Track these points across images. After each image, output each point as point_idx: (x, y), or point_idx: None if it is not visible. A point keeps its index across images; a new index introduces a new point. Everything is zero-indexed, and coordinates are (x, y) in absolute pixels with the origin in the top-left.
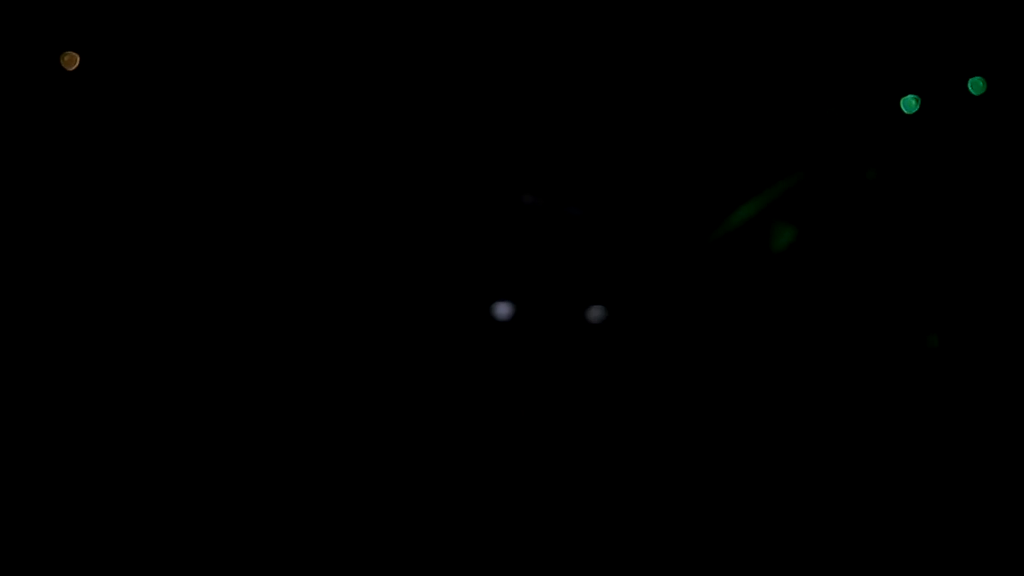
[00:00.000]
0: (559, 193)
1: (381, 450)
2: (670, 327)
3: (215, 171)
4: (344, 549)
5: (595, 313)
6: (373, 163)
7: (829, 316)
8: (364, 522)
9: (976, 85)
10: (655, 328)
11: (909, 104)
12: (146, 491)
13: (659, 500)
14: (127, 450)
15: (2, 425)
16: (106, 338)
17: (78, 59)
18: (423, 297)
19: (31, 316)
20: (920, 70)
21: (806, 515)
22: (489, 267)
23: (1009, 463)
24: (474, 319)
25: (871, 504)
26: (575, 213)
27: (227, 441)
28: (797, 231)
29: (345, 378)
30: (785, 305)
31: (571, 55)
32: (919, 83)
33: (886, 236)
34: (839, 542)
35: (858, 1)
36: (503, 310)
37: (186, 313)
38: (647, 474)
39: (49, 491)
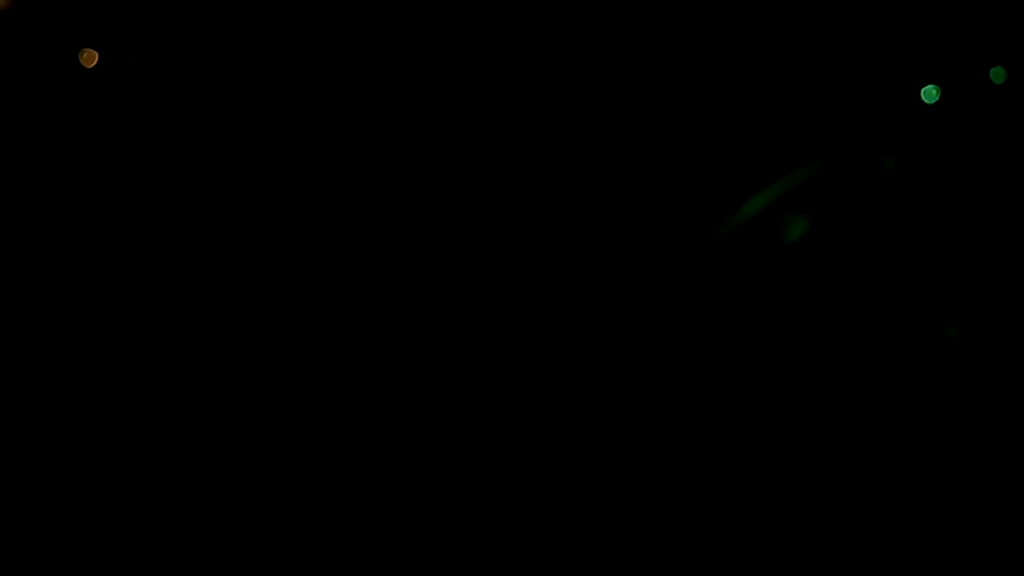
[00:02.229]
0: (560, 181)
1: (381, 450)
2: (677, 324)
3: (216, 171)
4: (344, 549)
5: None
6: (373, 163)
7: (843, 309)
8: (364, 522)
9: (998, 74)
10: (661, 325)
11: (930, 94)
12: (146, 491)
13: (669, 502)
14: (127, 450)
15: (2, 425)
16: (106, 338)
17: (97, 56)
18: (422, 297)
19: (31, 316)
20: (941, 59)
21: (825, 513)
22: (487, 265)
23: None
24: (472, 319)
25: (889, 500)
26: None
27: (227, 441)
28: (810, 222)
29: (345, 378)
30: (798, 299)
31: (576, 34)
32: (940, 72)
33: (903, 227)
34: (854, 540)
35: None
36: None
37: (186, 313)
38: (656, 475)
39: (49, 491)
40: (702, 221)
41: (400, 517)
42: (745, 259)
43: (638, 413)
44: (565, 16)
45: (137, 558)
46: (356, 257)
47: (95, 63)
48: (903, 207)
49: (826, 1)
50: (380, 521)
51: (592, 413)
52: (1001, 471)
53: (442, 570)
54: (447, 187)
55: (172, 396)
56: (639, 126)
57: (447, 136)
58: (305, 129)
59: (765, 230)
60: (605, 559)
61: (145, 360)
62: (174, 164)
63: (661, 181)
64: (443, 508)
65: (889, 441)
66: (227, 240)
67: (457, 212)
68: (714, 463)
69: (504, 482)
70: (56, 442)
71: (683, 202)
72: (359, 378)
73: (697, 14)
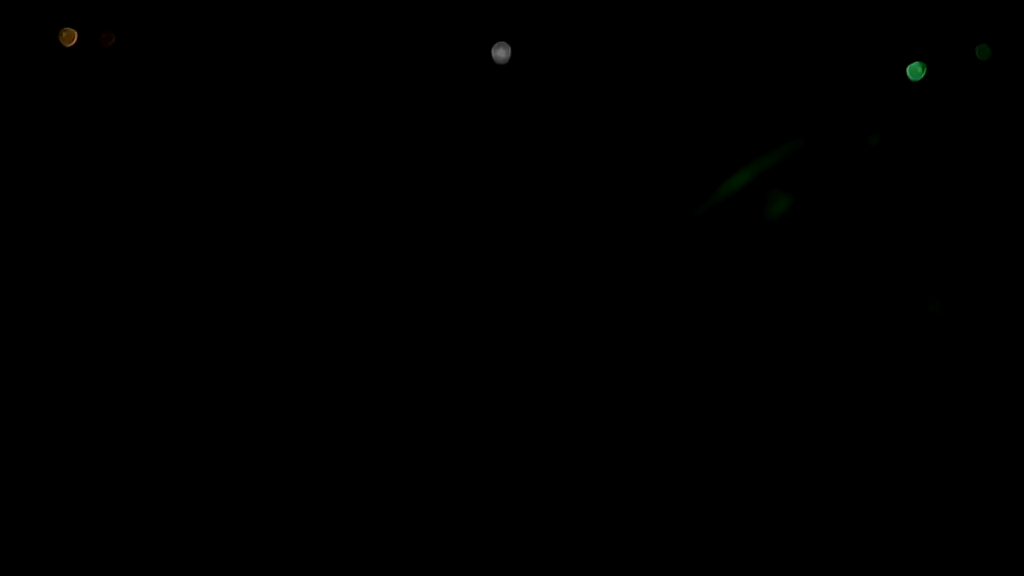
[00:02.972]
0: (541, 160)
1: (381, 450)
2: (657, 305)
3: (215, 170)
4: (344, 549)
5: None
6: (373, 163)
7: (827, 286)
8: (364, 522)
9: (983, 52)
10: (642, 307)
11: (915, 71)
12: (146, 491)
13: (660, 491)
14: (127, 450)
15: (2, 425)
16: (106, 338)
17: (76, 35)
18: (422, 296)
19: (31, 316)
20: (926, 36)
21: (813, 498)
22: (471, 247)
23: (1012, 437)
24: (452, 302)
25: (877, 486)
26: None
27: (227, 441)
28: (793, 199)
29: (345, 378)
30: (780, 276)
31: (558, 14)
32: (925, 49)
33: (888, 204)
34: (845, 529)
35: None
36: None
37: (186, 313)
38: (646, 464)
39: (49, 491)
40: (682, 199)
41: (399, 517)
42: (726, 237)
43: (624, 394)
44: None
45: (137, 558)
46: (350, 252)
47: (74, 42)
48: (887, 184)
49: None
50: (380, 521)
51: (578, 395)
52: (985, 445)
53: (442, 570)
54: (424, 171)
55: (171, 395)
56: (617, 100)
57: (420, 120)
58: (293, 119)
59: (747, 207)
60: (602, 557)
61: (140, 358)
62: (158, 148)
63: (640, 158)
64: (439, 506)
65: (875, 417)
66: (216, 232)
67: (437, 192)
68: (701, 444)
69: (502, 478)
70: (56, 442)
71: (663, 180)
72: (357, 377)
73: None
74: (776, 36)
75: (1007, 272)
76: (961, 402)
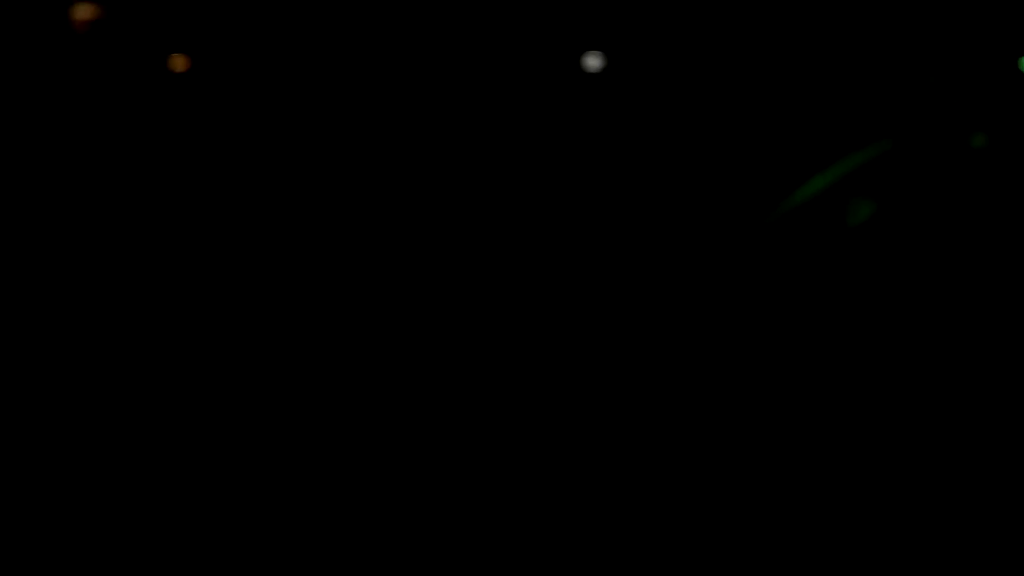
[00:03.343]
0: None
1: (381, 450)
2: (733, 311)
3: (217, 171)
4: (344, 549)
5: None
6: (373, 163)
7: (915, 301)
8: (364, 522)
9: None
10: (719, 312)
11: None
12: (146, 491)
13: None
14: (127, 450)
15: (2, 425)
16: (106, 338)
17: (186, 61)
18: (424, 295)
19: (31, 316)
20: None
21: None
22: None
23: None
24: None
25: (982, 492)
26: None
27: (227, 441)
28: (877, 206)
29: (345, 378)
30: (861, 289)
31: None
32: None
33: (994, 213)
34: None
35: None
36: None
37: (186, 313)
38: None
39: (49, 491)
40: (760, 204)
41: (400, 517)
42: (802, 246)
43: (700, 395)
44: None
45: (137, 558)
46: (361, 259)
47: (185, 67)
48: (996, 190)
49: None
50: (380, 521)
51: (657, 393)
52: None
53: (442, 570)
54: (520, 169)
55: (172, 396)
56: (690, 93)
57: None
58: (296, 125)
59: (826, 214)
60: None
61: (141, 357)
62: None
63: (709, 159)
64: (443, 508)
65: (978, 428)
66: (218, 238)
67: (530, 191)
68: (777, 445)
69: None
70: (56, 442)
71: (737, 185)
72: (359, 378)
73: None
74: (861, 19)
75: None
76: None
